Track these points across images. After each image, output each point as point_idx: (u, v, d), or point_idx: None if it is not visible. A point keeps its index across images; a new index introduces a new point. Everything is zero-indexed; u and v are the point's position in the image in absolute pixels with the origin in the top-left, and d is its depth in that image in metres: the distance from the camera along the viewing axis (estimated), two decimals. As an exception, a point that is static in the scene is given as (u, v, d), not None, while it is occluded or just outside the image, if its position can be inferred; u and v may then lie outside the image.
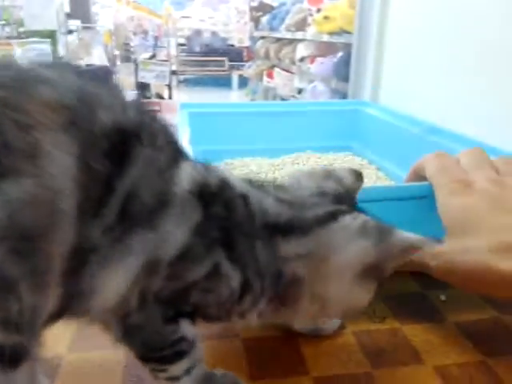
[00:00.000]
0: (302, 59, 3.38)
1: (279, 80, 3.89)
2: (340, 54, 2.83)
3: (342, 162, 0.94)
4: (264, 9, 4.76)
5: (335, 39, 2.78)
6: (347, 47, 2.72)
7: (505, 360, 0.46)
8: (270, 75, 4.17)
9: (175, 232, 0.34)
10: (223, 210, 0.36)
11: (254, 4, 4.95)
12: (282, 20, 3.76)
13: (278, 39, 4.03)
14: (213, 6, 5.63)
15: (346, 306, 0.41)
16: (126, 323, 0.36)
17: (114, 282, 0.33)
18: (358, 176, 0.45)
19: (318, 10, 3.14)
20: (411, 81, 1.10)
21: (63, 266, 0.30)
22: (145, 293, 0.34)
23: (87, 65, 3.67)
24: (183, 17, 7.31)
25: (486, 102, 0.89)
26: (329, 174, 0.43)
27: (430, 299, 0.55)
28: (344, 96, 2.67)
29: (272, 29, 4.08)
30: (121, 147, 0.32)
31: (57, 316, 0.33)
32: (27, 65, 0.33)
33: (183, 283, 0.36)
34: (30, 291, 0.30)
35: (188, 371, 0.38)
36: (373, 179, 0.86)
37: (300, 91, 3.45)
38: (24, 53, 3.36)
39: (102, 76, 0.38)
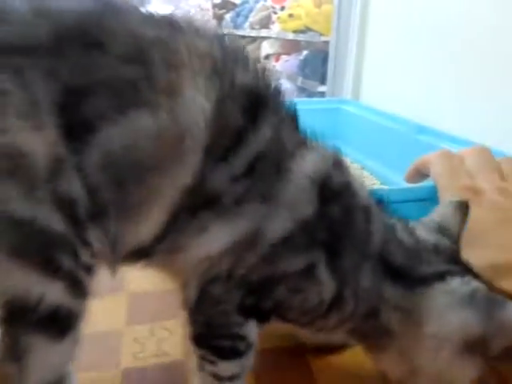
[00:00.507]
0: (267, 57, 3.36)
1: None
2: (305, 52, 2.83)
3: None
4: (227, 6, 4.71)
5: (301, 37, 2.78)
6: (312, 45, 2.73)
7: None
8: (234, 73, 4.13)
9: (285, 214, 0.33)
10: (341, 214, 0.34)
11: (217, 1, 4.90)
12: (246, 18, 3.73)
13: (242, 37, 3.99)
14: (174, 3, 5.54)
15: (441, 380, 0.36)
16: (205, 289, 0.35)
17: (222, 235, 0.32)
18: (464, 214, 0.41)
19: (282, 8, 3.13)
20: (392, 79, 1.10)
21: (178, 200, 0.31)
22: (236, 265, 0.34)
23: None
24: (143, 13, 7.13)
25: (467, 100, 0.90)
26: (440, 227, 0.40)
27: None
28: (310, 94, 2.67)
29: (236, 26, 4.03)
30: (254, 107, 0.33)
31: (145, 252, 0.33)
32: (181, 20, 0.35)
33: (273, 271, 0.34)
34: (118, 222, 0.30)
35: (233, 378, 0.36)
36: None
37: (265, 89, 3.43)
38: None
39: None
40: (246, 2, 4.06)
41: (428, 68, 0.98)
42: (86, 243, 0.29)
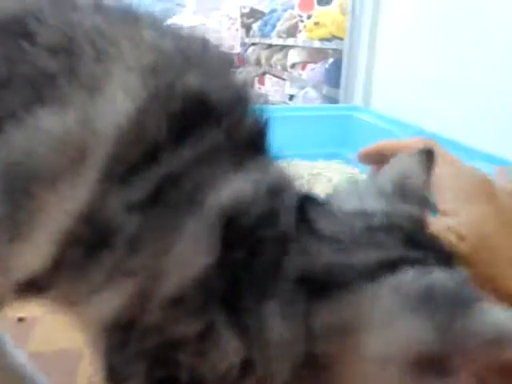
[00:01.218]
0: (293, 65, 3.35)
1: (270, 86, 3.85)
2: (331, 60, 2.79)
3: (331, 170, 0.89)
4: (255, 15, 4.74)
5: (326, 45, 2.75)
6: (338, 53, 2.69)
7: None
8: (261, 81, 4.14)
9: (177, 267, 0.26)
10: (244, 256, 0.26)
11: (245, 11, 4.93)
12: (273, 26, 3.74)
13: (269, 45, 3.99)
14: (204, 13, 5.61)
15: None
16: (105, 361, 0.28)
17: (112, 297, 0.26)
18: (429, 162, 0.32)
19: (309, 17, 3.11)
20: (403, 86, 1.06)
21: (71, 229, 0.25)
22: (127, 330, 0.27)
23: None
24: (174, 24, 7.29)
25: (478, 109, 0.85)
26: (400, 189, 0.30)
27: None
28: (335, 102, 2.63)
29: (263, 35, 4.05)
30: (192, 118, 0.27)
31: (37, 287, 0.28)
32: (140, 12, 0.32)
33: (169, 336, 0.27)
34: (6, 242, 0.26)
35: None
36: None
37: (291, 97, 3.41)
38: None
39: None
40: (274, 11, 4.06)
41: (439, 75, 0.94)
42: None
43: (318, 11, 2.95)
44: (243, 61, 4.99)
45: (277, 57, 3.74)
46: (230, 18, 5.87)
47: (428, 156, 0.33)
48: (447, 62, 0.94)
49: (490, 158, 0.63)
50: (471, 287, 0.25)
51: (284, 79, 3.59)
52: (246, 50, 4.83)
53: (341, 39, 2.55)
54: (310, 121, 0.96)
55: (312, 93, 3.01)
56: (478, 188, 0.36)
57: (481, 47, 0.85)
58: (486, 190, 0.36)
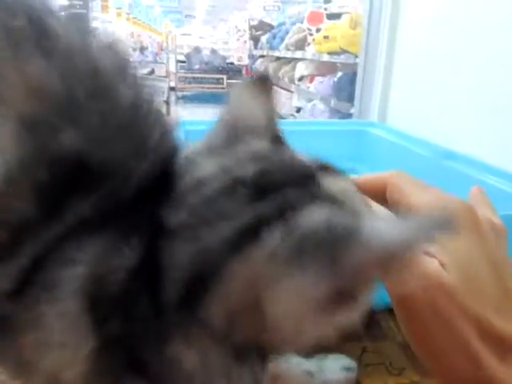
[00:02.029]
0: (301, 78, 3.37)
1: (278, 98, 3.88)
2: (340, 73, 2.82)
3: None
4: (263, 28, 4.79)
5: (335, 59, 2.78)
6: (347, 67, 2.72)
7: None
8: (268, 93, 4.17)
9: (63, 362, 0.23)
10: (122, 325, 0.23)
11: (254, 23, 4.98)
12: (282, 39, 3.78)
13: (278, 58, 4.03)
14: (213, 24, 5.67)
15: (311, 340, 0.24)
16: None
17: None
18: (262, 89, 0.28)
19: (318, 30, 3.14)
20: (420, 102, 1.07)
21: None
22: None
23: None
24: (183, 34, 7.37)
25: (495, 126, 0.86)
26: (233, 129, 0.27)
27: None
28: (343, 115, 2.65)
29: (271, 48, 4.09)
30: (61, 188, 0.22)
31: None
32: (47, 16, 0.25)
33: None
34: None
35: None
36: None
37: (299, 110, 3.44)
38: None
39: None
40: (283, 24, 4.11)
41: (457, 92, 0.95)
42: None
43: (328, 25, 2.98)
44: (251, 72, 5.04)
45: (285, 69, 3.77)
46: (239, 30, 5.93)
47: (260, 83, 0.29)
48: (467, 78, 0.94)
49: (509, 177, 0.63)
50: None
51: (292, 91, 3.62)
52: (254, 62, 4.88)
53: (350, 53, 2.58)
54: (325, 135, 0.97)
55: (320, 106, 3.03)
56: (461, 216, 0.33)
57: (504, 63, 0.86)
58: (469, 219, 0.33)
